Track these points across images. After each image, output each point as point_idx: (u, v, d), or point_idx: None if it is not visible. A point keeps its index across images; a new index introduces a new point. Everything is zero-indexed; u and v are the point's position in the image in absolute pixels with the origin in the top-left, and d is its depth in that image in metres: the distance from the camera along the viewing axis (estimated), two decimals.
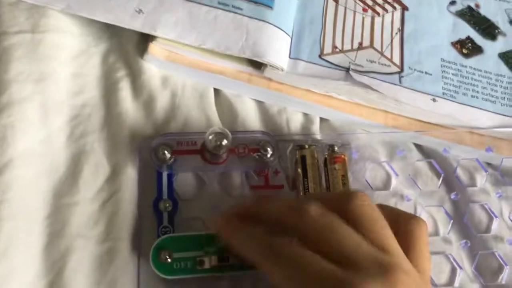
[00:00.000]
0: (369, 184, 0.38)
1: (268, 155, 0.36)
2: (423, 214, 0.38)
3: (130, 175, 0.34)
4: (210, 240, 0.32)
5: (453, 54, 0.42)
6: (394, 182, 0.39)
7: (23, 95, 0.33)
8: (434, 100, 0.39)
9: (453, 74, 0.41)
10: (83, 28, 0.38)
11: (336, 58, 0.39)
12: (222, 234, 0.31)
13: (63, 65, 0.36)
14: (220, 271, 0.32)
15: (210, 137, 0.34)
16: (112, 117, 0.36)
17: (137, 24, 0.36)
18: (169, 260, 0.31)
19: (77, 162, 0.34)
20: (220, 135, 0.34)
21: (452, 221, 0.38)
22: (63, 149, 0.34)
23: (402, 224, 0.30)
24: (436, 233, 0.38)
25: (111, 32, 0.39)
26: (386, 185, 0.39)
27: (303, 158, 0.36)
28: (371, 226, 0.28)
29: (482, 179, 0.39)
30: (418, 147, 0.40)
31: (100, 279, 0.32)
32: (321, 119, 0.40)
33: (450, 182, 0.39)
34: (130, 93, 0.37)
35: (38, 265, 0.31)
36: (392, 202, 0.38)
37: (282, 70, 0.37)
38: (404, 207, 0.38)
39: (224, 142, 0.34)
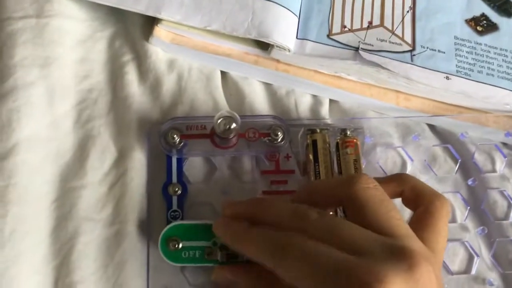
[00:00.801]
0: (383, 170, 0.37)
1: (279, 140, 0.35)
2: None
3: (138, 158, 0.34)
4: None
5: (467, 32, 0.41)
6: (409, 167, 0.38)
7: (28, 80, 0.33)
8: (447, 78, 0.38)
9: (467, 52, 0.40)
10: (88, 13, 0.37)
11: (345, 38, 0.38)
12: (226, 240, 0.30)
13: (69, 50, 0.36)
14: (226, 263, 0.31)
15: (219, 121, 0.33)
16: (119, 101, 0.36)
17: (141, 7, 0.36)
18: (177, 247, 0.31)
19: (84, 146, 0.34)
20: (228, 119, 0.33)
21: (469, 207, 0.37)
22: (70, 134, 0.34)
23: (425, 201, 0.29)
24: (452, 220, 0.37)
25: (117, 17, 0.38)
26: (401, 170, 0.38)
27: (314, 142, 0.35)
28: (376, 209, 0.27)
29: (501, 165, 0.38)
30: (433, 129, 0.39)
31: (108, 262, 0.31)
32: (331, 100, 0.39)
33: (467, 167, 0.38)
34: (136, 77, 0.36)
35: (46, 248, 0.31)
36: None
37: (289, 50, 0.37)
38: None
39: (233, 125, 0.33)
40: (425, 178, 0.37)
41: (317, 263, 0.24)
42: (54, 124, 0.34)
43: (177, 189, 0.34)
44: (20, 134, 0.32)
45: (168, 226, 0.32)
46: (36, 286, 0.30)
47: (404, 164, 0.38)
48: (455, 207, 0.37)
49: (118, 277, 0.31)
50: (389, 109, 0.39)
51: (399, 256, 0.24)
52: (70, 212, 0.32)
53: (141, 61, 0.37)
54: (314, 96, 0.39)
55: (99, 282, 0.31)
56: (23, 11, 0.35)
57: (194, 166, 0.35)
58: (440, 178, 0.37)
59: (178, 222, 0.32)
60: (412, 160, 0.37)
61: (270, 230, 0.27)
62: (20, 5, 0.35)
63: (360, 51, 0.38)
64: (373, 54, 0.38)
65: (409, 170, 0.37)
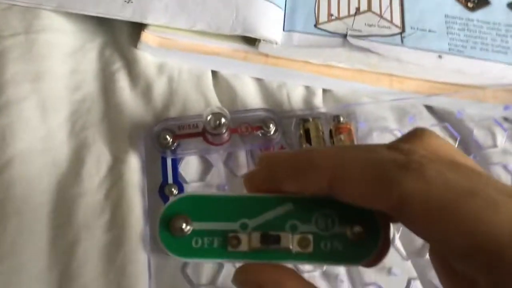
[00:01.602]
0: None
1: (271, 132, 0.35)
2: None
3: (133, 162, 0.34)
4: (252, 206, 0.21)
5: (457, 9, 0.40)
6: None
7: (21, 95, 0.34)
8: (440, 56, 0.37)
9: (459, 29, 0.39)
10: (76, 25, 0.38)
11: (332, 26, 0.38)
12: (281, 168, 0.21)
13: (59, 63, 0.36)
14: (263, 257, 0.21)
15: (209, 117, 0.33)
16: (111, 108, 0.36)
17: (127, 14, 0.36)
18: (185, 229, 0.21)
19: (79, 155, 0.34)
20: (218, 115, 0.33)
21: None
22: (65, 144, 0.34)
23: None
24: None
25: (105, 26, 0.39)
26: None
27: (307, 131, 0.35)
28: None
29: (502, 139, 0.37)
30: (430, 109, 0.39)
31: (109, 268, 0.31)
32: (324, 90, 0.39)
33: (467, 145, 0.37)
34: (128, 83, 0.37)
35: (46, 257, 0.31)
36: None
37: (276, 43, 0.37)
38: None
39: (223, 120, 0.33)
40: None
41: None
42: (49, 136, 0.34)
43: (173, 189, 0.34)
44: (14, 149, 0.32)
45: (172, 200, 0.22)
46: None
47: None
48: None
49: (120, 282, 0.31)
50: (383, 93, 0.38)
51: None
52: (68, 220, 0.32)
53: (131, 67, 0.37)
54: (307, 87, 0.39)
55: None
56: (12, 29, 0.36)
57: (190, 166, 0.35)
58: None
59: (189, 193, 0.23)
60: None
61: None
62: (9, 24, 0.36)
63: (348, 38, 0.37)
64: (361, 39, 0.37)
65: None
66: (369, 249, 0.21)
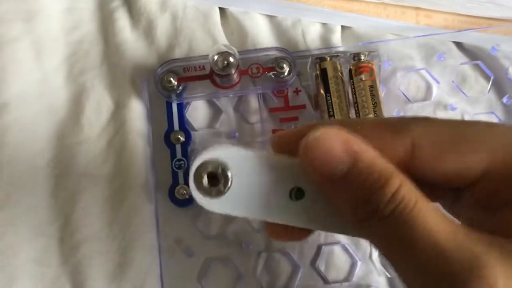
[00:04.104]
0: (406, 96, 0.33)
1: (285, 73, 0.32)
2: None
3: (136, 108, 0.32)
4: None
5: None
6: (435, 91, 0.34)
7: (12, 35, 0.31)
8: None
9: None
10: None
11: None
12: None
13: (54, 1, 0.33)
14: None
15: (215, 57, 0.30)
16: (111, 50, 0.33)
17: None
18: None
19: (78, 100, 0.32)
20: (225, 54, 0.30)
21: None
22: (62, 89, 0.32)
23: None
24: None
25: None
26: (426, 94, 0.34)
27: (323, 71, 0.32)
28: None
29: None
30: (460, 46, 0.35)
31: (112, 218, 0.30)
32: (343, 27, 0.35)
33: (501, 84, 0.34)
34: (128, 22, 0.34)
35: (47, 208, 0.30)
36: (434, 113, 0.33)
37: None
38: (449, 117, 0.33)
39: (231, 60, 0.30)
40: (454, 101, 0.33)
41: None
42: (45, 80, 0.32)
43: (179, 136, 0.31)
44: (8, 93, 0.30)
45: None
46: (41, 248, 0.29)
47: (429, 87, 0.34)
48: None
49: (125, 233, 0.30)
50: (409, 29, 0.35)
51: None
52: (68, 170, 0.30)
53: (131, 4, 0.34)
54: (324, 24, 0.35)
55: (106, 240, 0.29)
56: None
57: (198, 111, 0.33)
58: (471, 99, 0.33)
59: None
60: (438, 82, 0.34)
61: None
62: None
63: None
64: None
65: (435, 93, 0.34)
66: None
